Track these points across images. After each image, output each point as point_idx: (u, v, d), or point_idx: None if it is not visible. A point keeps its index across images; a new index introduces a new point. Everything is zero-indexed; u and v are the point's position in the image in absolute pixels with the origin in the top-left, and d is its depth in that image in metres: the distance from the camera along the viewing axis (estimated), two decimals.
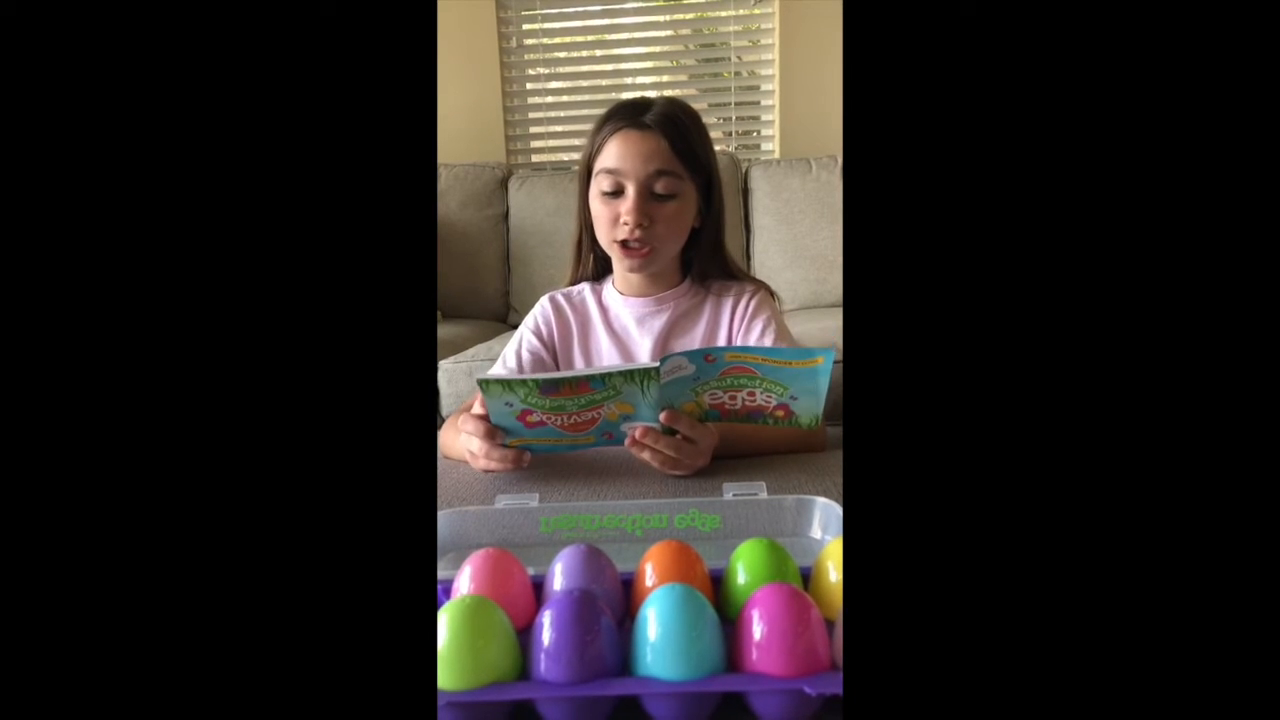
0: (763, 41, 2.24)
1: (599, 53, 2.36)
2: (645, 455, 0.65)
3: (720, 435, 0.68)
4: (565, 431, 0.64)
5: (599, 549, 0.41)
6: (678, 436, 0.64)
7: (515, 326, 1.99)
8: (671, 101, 0.85)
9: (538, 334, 0.92)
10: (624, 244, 0.83)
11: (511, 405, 0.61)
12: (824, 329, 1.54)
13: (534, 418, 0.62)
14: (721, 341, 0.88)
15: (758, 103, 2.29)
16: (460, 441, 0.70)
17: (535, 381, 0.59)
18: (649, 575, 0.40)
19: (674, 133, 0.82)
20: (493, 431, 0.65)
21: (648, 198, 0.81)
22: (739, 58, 2.31)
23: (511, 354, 0.91)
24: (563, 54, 2.37)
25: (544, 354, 0.91)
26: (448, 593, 0.39)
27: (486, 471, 0.69)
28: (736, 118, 2.32)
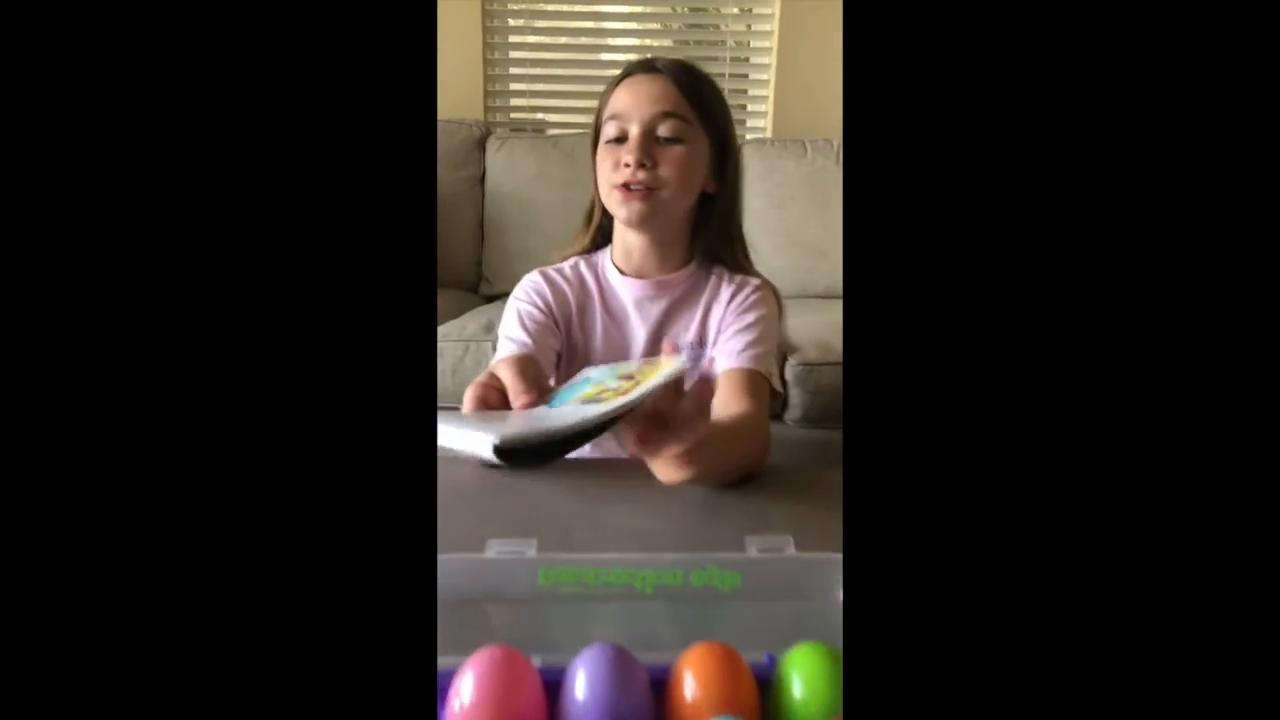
0: (758, 10, 2.14)
1: (581, 8, 2.23)
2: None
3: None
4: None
5: (625, 651, 0.34)
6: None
7: (488, 298, 1.90)
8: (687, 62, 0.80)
9: (535, 306, 0.82)
10: (625, 187, 0.74)
11: None
12: (810, 325, 1.48)
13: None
14: (712, 329, 0.81)
15: (746, 75, 2.19)
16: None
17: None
18: (688, 685, 0.33)
19: (685, 79, 0.76)
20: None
21: (652, 139, 0.75)
22: (734, 24, 2.21)
23: (517, 329, 0.80)
24: (550, 6, 2.24)
25: (550, 324, 0.81)
26: (445, 693, 0.32)
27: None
28: (730, 90, 2.23)
